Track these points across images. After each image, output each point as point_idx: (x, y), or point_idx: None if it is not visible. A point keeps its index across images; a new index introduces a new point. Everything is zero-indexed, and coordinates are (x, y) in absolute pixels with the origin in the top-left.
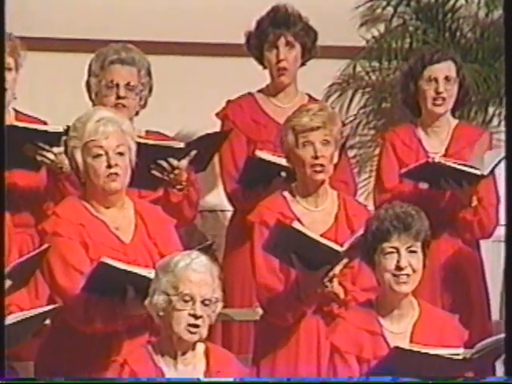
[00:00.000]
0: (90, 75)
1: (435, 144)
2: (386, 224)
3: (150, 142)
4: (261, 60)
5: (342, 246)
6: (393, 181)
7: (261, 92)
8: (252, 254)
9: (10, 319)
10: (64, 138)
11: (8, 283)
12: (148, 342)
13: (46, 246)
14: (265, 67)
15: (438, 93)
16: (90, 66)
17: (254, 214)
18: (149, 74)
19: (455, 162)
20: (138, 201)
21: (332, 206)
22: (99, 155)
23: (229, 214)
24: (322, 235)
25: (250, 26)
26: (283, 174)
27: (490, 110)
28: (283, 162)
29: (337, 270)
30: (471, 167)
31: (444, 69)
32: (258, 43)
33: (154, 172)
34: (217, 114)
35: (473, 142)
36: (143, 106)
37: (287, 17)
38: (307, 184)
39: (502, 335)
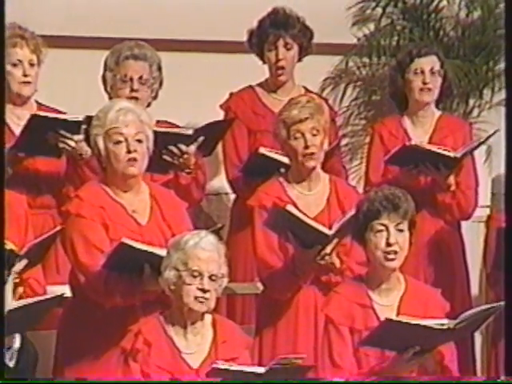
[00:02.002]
0: (105, 70)
1: (420, 133)
2: (376, 204)
3: (161, 129)
4: (261, 56)
5: (331, 228)
6: (380, 168)
7: (261, 86)
8: (253, 234)
9: (19, 303)
10: (84, 126)
11: (24, 262)
12: (160, 313)
13: (58, 227)
14: (264, 62)
15: (424, 83)
16: (106, 61)
17: (252, 198)
18: (159, 68)
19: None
20: (153, 185)
21: (324, 189)
22: (120, 141)
23: (232, 197)
24: (315, 217)
25: (252, 25)
26: (282, 170)
27: (471, 102)
28: (282, 158)
29: (328, 249)
30: (446, 150)
31: (429, 62)
32: (259, 41)
33: (164, 157)
34: (221, 106)
35: (454, 131)
36: (154, 98)
37: (286, 19)
38: (300, 171)
39: (482, 307)
